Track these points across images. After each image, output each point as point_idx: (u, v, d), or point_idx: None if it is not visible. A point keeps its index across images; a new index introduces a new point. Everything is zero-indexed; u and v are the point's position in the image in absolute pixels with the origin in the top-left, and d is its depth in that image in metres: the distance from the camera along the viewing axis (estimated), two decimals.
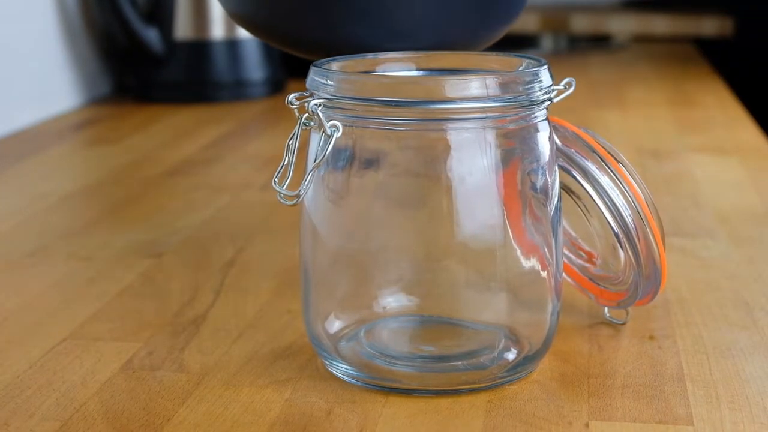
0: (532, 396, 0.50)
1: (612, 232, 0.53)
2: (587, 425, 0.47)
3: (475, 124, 0.47)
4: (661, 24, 1.78)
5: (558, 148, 0.54)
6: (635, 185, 0.53)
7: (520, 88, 0.48)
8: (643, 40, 1.77)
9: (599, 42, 1.76)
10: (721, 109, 1.23)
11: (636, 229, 0.52)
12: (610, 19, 1.81)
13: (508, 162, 0.48)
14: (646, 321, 0.59)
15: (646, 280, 0.54)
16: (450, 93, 0.47)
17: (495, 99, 0.47)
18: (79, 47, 1.26)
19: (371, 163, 0.48)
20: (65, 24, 1.23)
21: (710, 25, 1.76)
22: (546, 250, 0.50)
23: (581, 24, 1.81)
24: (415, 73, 0.54)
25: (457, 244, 0.48)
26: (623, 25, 1.80)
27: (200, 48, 1.27)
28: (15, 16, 1.13)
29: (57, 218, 0.81)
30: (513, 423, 0.47)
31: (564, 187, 0.55)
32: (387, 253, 0.49)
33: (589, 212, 0.56)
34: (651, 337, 0.57)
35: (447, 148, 0.47)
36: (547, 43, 1.79)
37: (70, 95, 1.24)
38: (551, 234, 0.51)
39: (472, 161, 0.48)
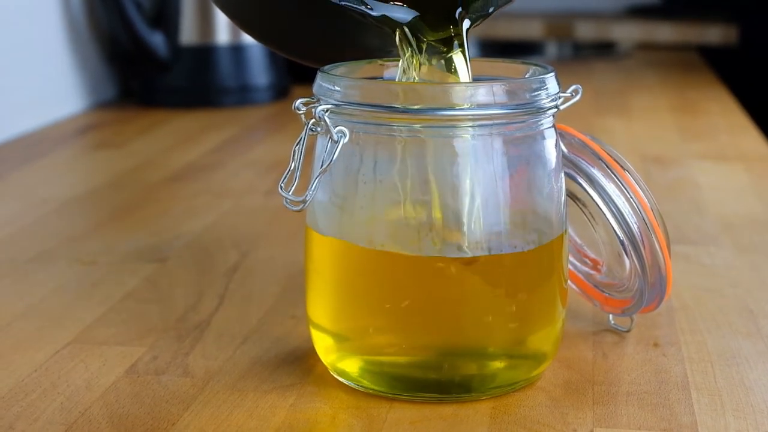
0: (537, 403, 0.50)
1: (617, 240, 0.53)
2: None
3: (482, 131, 0.48)
4: (665, 32, 1.78)
5: (564, 156, 0.54)
6: (641, 193, 0.53)
7: (527, 96, 0.48)
8: (647, 47, 1.78)
9: (603, 49, 1.76)
10: (724, 117, 1.23)
11: (641, 237, 0.52)
12: (614, 27, 1.81)
13: (515, 169, 0.48)
14: (651, 328, 0.59)
15: (651, 288, 0.54)
16: (457, 100, 0.47)
17: (502, 106, 0.47)
18: (84, 51, 1.26)
19: (378, 168, 0.48)
20: (70, 28, 1.23)
21: (714, 34, 1.76)
22: None
23: (586, 31, 1.81)
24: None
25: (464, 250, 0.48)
26: (627, 32, 1.80)
27: (205, 53, 1.27)
28: (20, 19, 1.13)
29: (61, 222, 0.81)
30: (517, 430, 0.47)
31: (570, 194, 0.55)
32: (392, 259, 0.49)
33: (594, 219, 0.56)
34: (655, 345, 0.57)
35: (453, 154, 0.48)
36: (551, 49, 1.79)
37: (74, 99, 1.24)
38: None
39: (479, 168, 0.48)
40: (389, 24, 0.51)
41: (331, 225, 0.50)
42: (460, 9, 0.50)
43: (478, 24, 0.51)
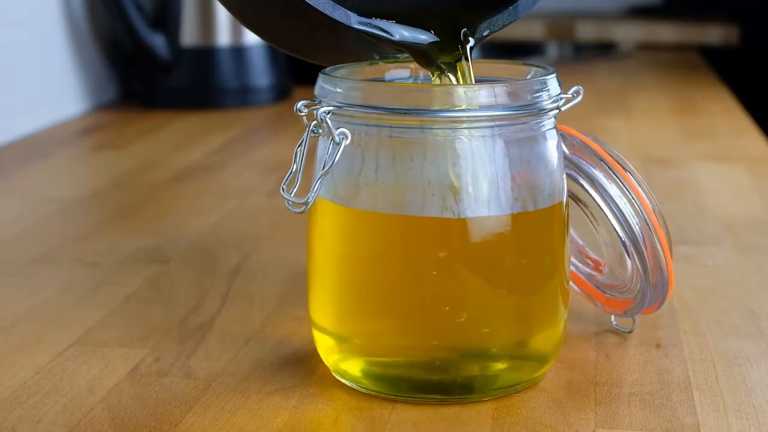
0: (539, 404, 0.50)
1: (619, 241, 0.53)
2: None
3: (484, 133, 0.48)
4: (666, 32, 1.78)
5: (566, 157, 0.54)
6: (642, 194, 0.53)
7: (529, 97, 0.48)
8: (648, 48, 1.78)
9: (604, 50, 1.76)
10: (726, 117, 1.23)
11: (643, 238, 0.52)
12: (615, 27, 1.81)
13: (516, 170, 0.48)
14: (653, 329, 0.59)
15: (653, 289, 0.54)
16: (458, 101, 0.47)
17: (503, 107, 0.47)
18: (86, 53, 1.27)
19: (379, 169, 0.48)
20: (72, 29, 1.23)
21: (715, 34, 1.76)
22: None
23: (586, 32, 1.81)
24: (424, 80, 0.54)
25: (465, 251, 0.48)
26: (628, 33, 1.80)
27: (206, 54, 1.27)
28: (21, 21, 1.14)
29: (63, 224, 0.81)
30: (520, 431, 0.47)
31: (571, 196, 0.55)
32: (395, 258, 0.49)
33: (596, 220, 0.56)
34: (657, 346, 0.57)
35: (455, 156, 0.48)
36: (552, 50, 1.79)
37: (76, 101, 1.24)
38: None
39: (480, 169, 0.48)
40: (405, 47, 0.51)
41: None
42: (465, 29, 0.51)
43: (478, 44, 0.52)
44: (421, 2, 0.54)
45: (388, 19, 0.50)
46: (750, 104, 1.38)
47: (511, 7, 0.52)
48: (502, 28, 0.52)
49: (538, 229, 0.50)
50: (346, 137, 0.48)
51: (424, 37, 0.51)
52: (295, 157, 0.49)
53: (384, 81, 0.55)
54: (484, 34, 0.52)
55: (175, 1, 1.26)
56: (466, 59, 0.51)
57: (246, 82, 1.29)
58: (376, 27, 0.49)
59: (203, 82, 1.28)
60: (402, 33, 0.50)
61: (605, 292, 0.58)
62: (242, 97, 1.29)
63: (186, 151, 1.06)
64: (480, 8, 0.52)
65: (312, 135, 0.49)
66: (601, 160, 0.53)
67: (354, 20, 0.48)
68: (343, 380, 0.52)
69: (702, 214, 0.83)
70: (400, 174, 0.48)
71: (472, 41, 0.51)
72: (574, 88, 0.52)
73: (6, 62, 1.10)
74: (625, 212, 0.53)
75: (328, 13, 0.47)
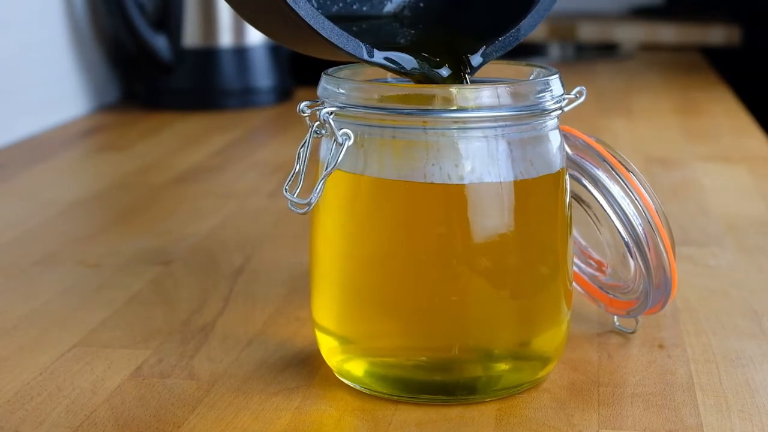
0: (542, 405, 0.50)
1: (622, 242, 0.53)
2: None
3: (487, 133, 0.48)
4: (668, 33, 1.78)
5: (568, 157, 0.54)
6: (646, 195, 0.53)
7: (532, 98, 0.48)
8: (650, 48, 1.78)
9: (606, 50, 1.76)
10: (728, 118, 1.23)
11: (646, 239, 0.52)
12: (617, 28, 1.81)
13: (519, 170, 0.48)
14: (656, 330, 0.59)
15: (656, 289, 0.54)
16: (461, 102, 0.47)
17: (507, 108, 0.47)
18: (88, 54, 1.27)
19: (382, 170, 0.48)
20: (74, 31, 1.23)
21: (717, 34, 1.76)
22: None
23: (588, 32, 1.81)
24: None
25: (468, 252, 0.48)
26: (630, 33, 1.80)
27: (208, 55, 1.27)
28: (23, 22, 1.14)
29: (65, 225, 0.81)
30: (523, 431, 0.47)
31: (574, 196, 0.55)
32: (397, 259, 0.49)
33: (599, 221, 0.56)
34: (660, 346, 0.57)
35: (458, 156, 0.48)
36: (554, 51, 1.79)
37: (78, 102, 1.24)
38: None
39: (483, 170, 0.48)
40: (416, 78, 0.51)
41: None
42: (465, 56, 0.51)
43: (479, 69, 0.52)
44: (427, 33, 0.54)
45: (398, 50, 0.50)
46: (752, 104, 1.38)
47: (513, 31, 0.51)
48: (505, 51, 0.52)
49: (541, 230, 0.50)
50: (349, 138, 0.48)
51: (443, 72, 0.51)
52: (298, 158, 0.49)
53: (387, 81, 0.55)
54: (488, 59, 0.52)
55: (177, 2, 1.26)
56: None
57: (248, 84, 1.29)
58: (389, 60, 0.50)
59: (205, 84, 1.28)
60: (416, 66, 0.50)
61: (608, 293, 0.58)
62: (244, 98, 1.29)
63: (188, 152, 1.06)
64: (484, 37, 0.52)
65: (315, 136, 0.49)
66: (604, 160, 0.53)
67: (366, 54, 0.48)
68: (345, 381, 0.52)
69: (704, 214, 0.83)
70: (403, 175, 0.48)
71: (471, 71, 0.51)
72: (577, 89, 0.52)
73: (8, 64, 1.10)
74: (628, 213, 0.53)
75: (341, 46, 0.47)
